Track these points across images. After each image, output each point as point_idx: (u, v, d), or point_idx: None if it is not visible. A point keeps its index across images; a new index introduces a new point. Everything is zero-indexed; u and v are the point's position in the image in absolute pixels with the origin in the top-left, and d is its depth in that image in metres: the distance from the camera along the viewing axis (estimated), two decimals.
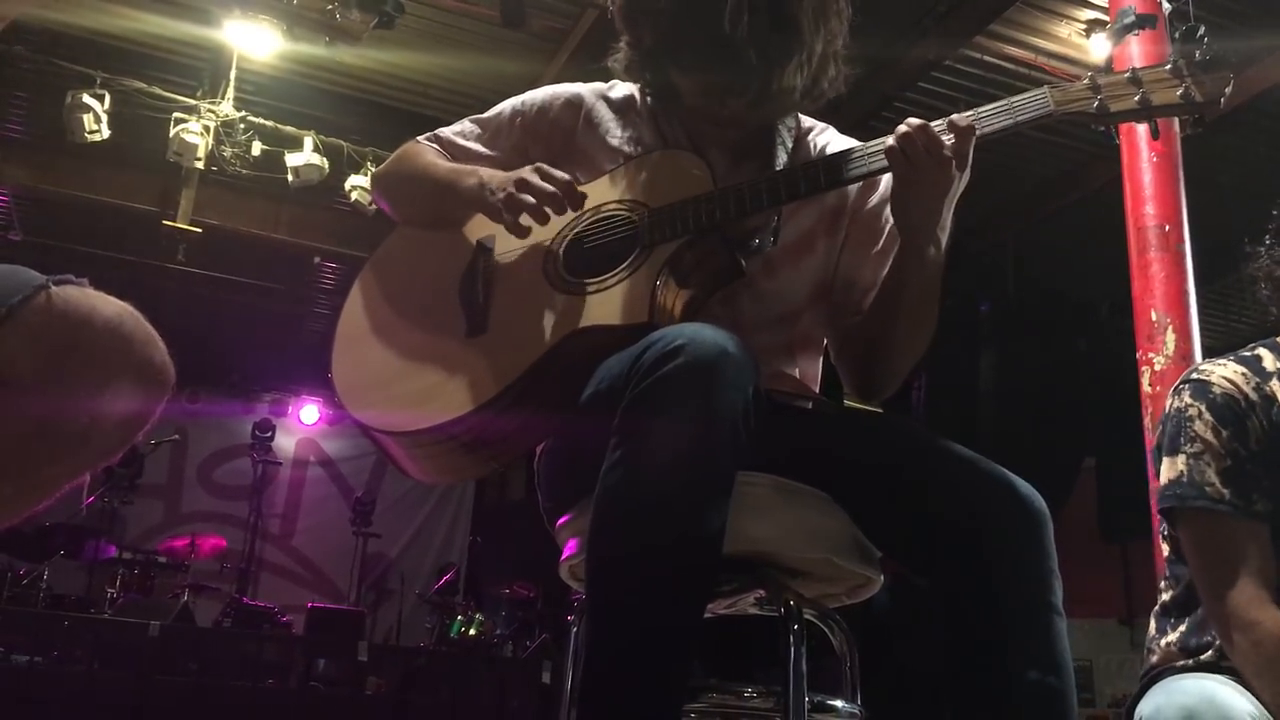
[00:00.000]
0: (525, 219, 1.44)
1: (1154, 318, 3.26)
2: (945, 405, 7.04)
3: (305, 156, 6.18)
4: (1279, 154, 5.80)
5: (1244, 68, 4.97)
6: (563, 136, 1.61)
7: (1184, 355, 3.19)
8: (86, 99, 5.79)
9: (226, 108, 6.11)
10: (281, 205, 7.00)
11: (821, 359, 1.63)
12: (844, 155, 1.41)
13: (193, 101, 6.12)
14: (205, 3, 5.41)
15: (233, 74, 6.02)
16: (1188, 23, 3.30)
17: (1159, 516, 1.71)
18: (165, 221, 6.55)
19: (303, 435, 9.64)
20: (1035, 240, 7.01)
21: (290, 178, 6.22)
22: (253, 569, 7.76)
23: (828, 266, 1.56)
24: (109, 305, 0.91)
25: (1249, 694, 1.47)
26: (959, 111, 1.36)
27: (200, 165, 6.18)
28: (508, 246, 1.52)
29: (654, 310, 1.34)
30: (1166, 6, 3.45)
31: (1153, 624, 1.74)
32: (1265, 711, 1.44)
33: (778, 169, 1.50)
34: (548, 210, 1.43)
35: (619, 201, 1.49)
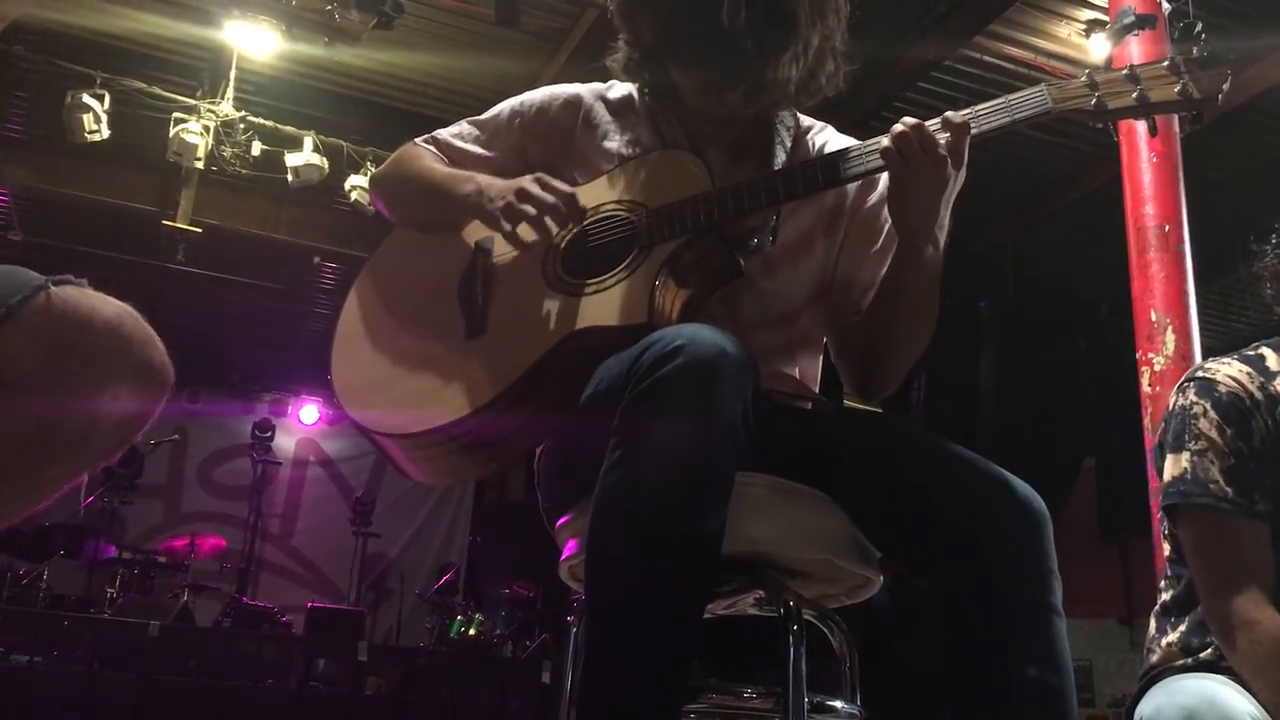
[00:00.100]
0: (524, 229, 1.44)
1: (1154, 318, 3.27)
2: (945, 405, 7.04)
3: (305, 156, 6.18)
4: (1279, 154, 5.80)
5: (1244, 67, 4.97)
6: (561, 137, 1.60)
7: (1183, 355, 3.19)
8: (86, 99, 5.79)
9: (226, 108, 6.11)
10: (281, 205, 6.99)
11: (821, 359, 1.62)
12: (842, 154, 1.41)
13: (193, 101, 6.12)
14: (205, 3, 5.42)
15: (232, 74, 6.02)
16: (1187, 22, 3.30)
17: (1160, 514, 1.71)
18: (165, 221, 6.56)
19: (302, 435, 9.64)
20: (1035, 240, 7.00)
21: (290, 178, 6.22)
22: (252, 569, 7.75)
23: (826, 266, 1.56)
24: (108, 305, 0.91)
25: (1249, 694, 1.48)
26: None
27: (200, 165, 6.18)
28: (506, 248, 1.52)
29: (653, 311, 1.34)
30: (1166, 6, 3.45)
31: (1153, 624, 1.73)
32: (1265, 711, 1.44)
33: (776, 168, 1.50)
34: (547, 221, 1.43)
35: (617, 202, 1.49)
